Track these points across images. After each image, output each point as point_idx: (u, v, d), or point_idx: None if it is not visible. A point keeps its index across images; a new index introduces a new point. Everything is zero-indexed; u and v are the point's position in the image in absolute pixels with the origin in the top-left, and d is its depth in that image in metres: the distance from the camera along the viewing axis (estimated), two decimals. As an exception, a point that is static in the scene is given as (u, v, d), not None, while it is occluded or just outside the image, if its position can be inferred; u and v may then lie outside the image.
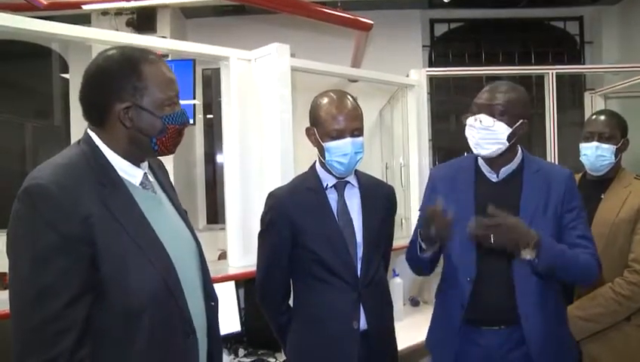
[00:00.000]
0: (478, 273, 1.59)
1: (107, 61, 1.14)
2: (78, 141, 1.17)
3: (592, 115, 2.16)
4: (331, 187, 1.67)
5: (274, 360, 2.28)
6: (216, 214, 5.17)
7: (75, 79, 5.02)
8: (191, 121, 3.51)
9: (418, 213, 1.80)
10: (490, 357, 1.58)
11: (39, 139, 5.54)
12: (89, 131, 1.17)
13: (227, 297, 2.28)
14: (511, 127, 1.55)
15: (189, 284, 1.20)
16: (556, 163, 3.17)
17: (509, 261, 1.56)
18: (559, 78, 3.56)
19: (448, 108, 5.42)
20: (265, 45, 2.53)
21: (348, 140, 1.59)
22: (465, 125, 1.63)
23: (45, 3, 3.95)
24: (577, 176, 2.02)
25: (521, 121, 1.57)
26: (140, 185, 1.19)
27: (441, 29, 5.54)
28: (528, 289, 1.56)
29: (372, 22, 4.38)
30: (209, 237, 3.84)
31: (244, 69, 2.55)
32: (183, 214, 1.31)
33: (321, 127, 1.62)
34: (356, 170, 1.71)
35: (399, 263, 2.78)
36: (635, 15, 4.88)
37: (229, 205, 2.56)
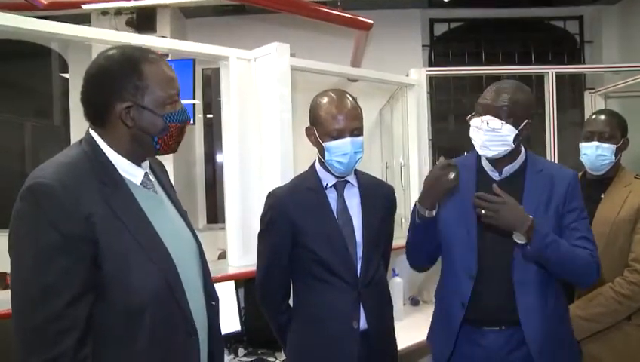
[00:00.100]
0: (479, 271, 1.58)
1: (108, 61, 1.15)
2: (80, 141, 1.17)
3: (592, 114, 2.16)
4: (331, 187, 1.67)
5: (274, 359, 2.28)
6: (216, 214, 5.18)
7: (74, 79, 5.03)
8: (191, 121, 3.51)
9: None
10: (492, 358, 1.58)
11: (39, 139, 5.54)
12: (90, 131, 1.17)
13: (227, 297, 2.28)
14: (517, 128, 1.54)
15: (190, 284, 1.20)
16: (556, 162, 3.17)
17: (510, 260, 1.56)
18: (559, 77, 3.56)
19: (448, 108, 5.42)
20: (265, 45, 2.53)
21: (348, 140, 1.59)
22: (469, 126, 1.61)
23: (45, 2, 3.94)
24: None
25: (526, 121, 1.56)
26: (141, 184, 1.19)
27: (441, 29, 5.55)
28: (528, 289, 1.55)
29: (372, 21, 4.38)
30: (209, 236, 3.84)
31: (244, 68, 2.55)
32: (183, 214, 1.31)
33: (320, 127, 1.62)
34: (356, 170, 1.71)
35: (399, 263, 2.78)
36: (635, 15, 4.88)
37: (228, 205, 2.56)
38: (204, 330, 1.24)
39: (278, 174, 2.40)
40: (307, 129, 1.68)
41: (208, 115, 5.34)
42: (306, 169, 1.75)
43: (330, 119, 1.60)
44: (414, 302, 3.14)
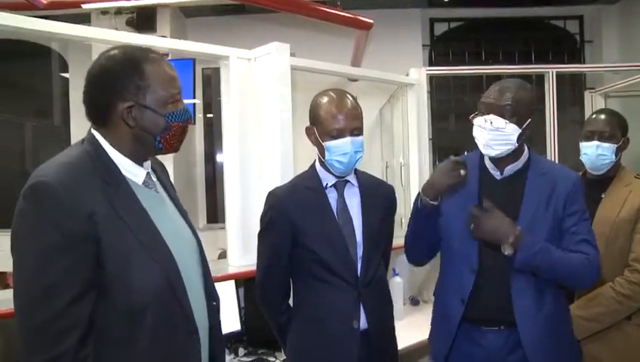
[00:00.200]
0: (480, 267, 1.58)
1: (109, 61, 1.15)
2: (82, 140, 1.18)
3: (593, 114, 2.16)
4: (331, 186, 1.67)
5: (274, 359, 2.28)
6: (216, 213, 5.18)
7: (74, 78, 5.03)
8: (192, 120, 3.51)
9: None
10: (491, 358, 1.57)
11: (39, 139, 5.54)
12: (93, 131, 1.17)
13: (227, 296, 2.28)
14: (520, 127, 1.54)
15: (191, 283, 1.20)
16: (556, 162, 3.17)
17: (509, 258, 1.55)
18: (559, 77, 3.56)
19: (448, 108, 5.42)
20: (265, 44, 2.53)
21: (348, 139, 1.59)
22: (470, 125, 1.61)
23: (45, 2, 3.94)
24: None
25: (529, 120, 1.56)
26: (143, 184, 1.19)
27: (441, 28, 5.54)
28: (525, 292, 1.55)
29: (372, 21, 4.38)
30: (209, 236, 3.84)
31: (244, 68, 2.55)
32: (184, 213, 1.31)
33: (320, 126, 1.62)
34: (356, 170, 1.71)
35: (399, 262, 2.78)
36: (635, 14, 4.88)
37: (228, 204, 2.56)
38: (205, 330, 1.24)
39: (278, 174, 2.40)
40: (307, 128, 1.68)
41: (208, 115, 5.33)
42: (306, 169, 1.75)
43: (330, 119, 1.60)
44: (414, 301, 3.14)
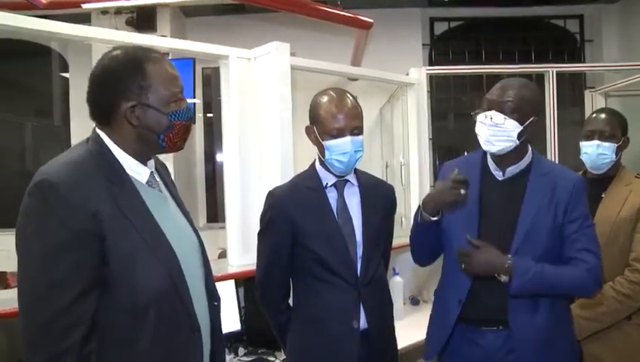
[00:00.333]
0: None
1: (112, 61, 1.16)
2: (87, 140, 1.18)
3: (593, 113, 2.16)
4: (331, 186, 1.67)
5: (274, 359, 2.28)
6: (216, 213, 5.18)
7: (74, 78, 5.02)
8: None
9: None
10: (490, 359, 1.57)
11: (39, 139, 5.54)
12: (97, 130, 1.18)
13: (227, 296, 2.28)
14: (522, 124, 1.54)
15: (193, 283, 1.21)
16: (556, 161, 3.17)
17: None
18: (559, 76, 3.56)
19: (448, 107, 5.41)
20: (265, 44, 2.53)
21: (348, 139, 1.59)
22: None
23: (45, 2, 3.94)
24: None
25: (532, 118, 1.56)
26: (146, 183, 1.20)
27: (441, 28, 5.54)
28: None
29: (372, 20, 4.38)
30: (209, 235, 3.81)
31: (244, 67, 2.55)
32: (186, 213, 1.32)
33: (320, 126, 1.62)
34: (356, 169, 1.71)
35: (399, 262, 2.78)
36: (635, 13, 4.87)
37: (228, 204, 2.56)
38: (207, 329, 1.24)
39: (278, 173, 2.40)
40: (307, 128, 1.68)
41: (208, 115, 5.34)
42: (306, 168, 1.75)
43: (330, 118, 1.60)
44: (414, 301, 3.14)
